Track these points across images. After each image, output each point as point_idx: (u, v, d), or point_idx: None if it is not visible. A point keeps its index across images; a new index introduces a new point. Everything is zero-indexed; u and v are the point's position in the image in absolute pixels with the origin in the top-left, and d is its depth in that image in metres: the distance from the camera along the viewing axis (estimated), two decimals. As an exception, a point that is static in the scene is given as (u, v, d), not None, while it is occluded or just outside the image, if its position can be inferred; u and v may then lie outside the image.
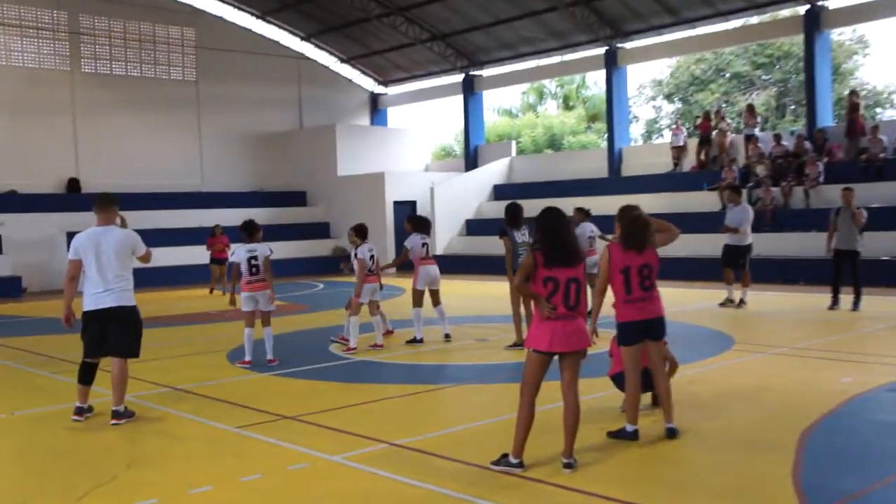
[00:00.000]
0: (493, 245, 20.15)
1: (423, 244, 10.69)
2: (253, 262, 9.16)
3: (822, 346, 9.63)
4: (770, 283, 16.87)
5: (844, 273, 12.44)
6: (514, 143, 30.66)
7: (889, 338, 10.30)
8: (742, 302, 13.29)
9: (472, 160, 28.62)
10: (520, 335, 9.70)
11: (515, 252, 9.73)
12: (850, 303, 12.39)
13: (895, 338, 10.35)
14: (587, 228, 12.65)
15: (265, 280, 9.22)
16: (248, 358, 9.27)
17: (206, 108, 27.43)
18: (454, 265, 23.61)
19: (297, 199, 28.62)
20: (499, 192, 27.21)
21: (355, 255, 10.10)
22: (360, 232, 10.16)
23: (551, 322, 5.16)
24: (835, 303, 12.51)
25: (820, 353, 9.11)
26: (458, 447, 5.76)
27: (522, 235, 9.83)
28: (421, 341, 10.54)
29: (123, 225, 7.03)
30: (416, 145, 30.59)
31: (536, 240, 5.30)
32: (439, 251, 25.20)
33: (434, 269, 10.69)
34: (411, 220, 10.95)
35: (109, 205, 6.85)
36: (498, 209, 25.43)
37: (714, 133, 22.48)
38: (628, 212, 5.98)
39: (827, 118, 21.22)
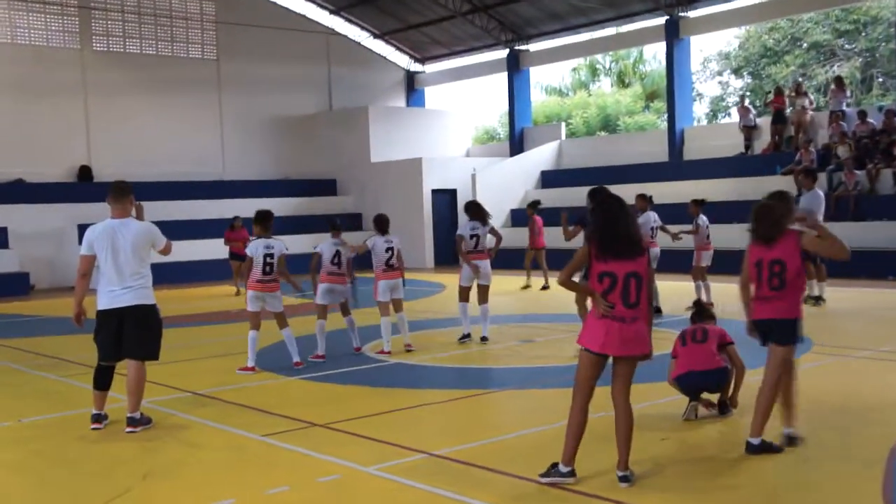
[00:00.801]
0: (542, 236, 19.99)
1: (473, 235, 10.59)
2: (269, 259, 9.13)
3: (914, 348, 9.42)
4: (854, 279, 16.53)
5: None
6: (563, 124, 30.50)
7: None
8: (820, 299, 13.07)
9: (517, 144, 28.54)
10: None
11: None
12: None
13: None
14: (650, 218, 12.61)
15: (277, 280, 9.22)
16: (250, 364, 9.24)
17: (227, 88, 27.74)
18: (497, 259, 23.45)
19: (326, 187, 28.83)
20: (547, 178, 27.06)
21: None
22: (378, 223, 10.10)
23: (608, 321, 5.05)
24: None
25: (911, 357, 8.92)
26: (502, 458, 5.75)
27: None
28: (468, 336, 10.69)
29: (140, 216, 7.12)
30: (456, 128, 30.60)
31: (591, 229, 5.18)
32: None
33: (483, 263, 10.62)
34: (466, 207, 10.92)
35: (125, 194, 6.94)
36: (546, 197, 25.31)
37: (789, 110, 22.09)
38: (764, 199, 5.82)
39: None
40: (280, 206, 26.24)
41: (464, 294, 10.73)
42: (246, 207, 23.98)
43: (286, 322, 9.39)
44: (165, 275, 18.73)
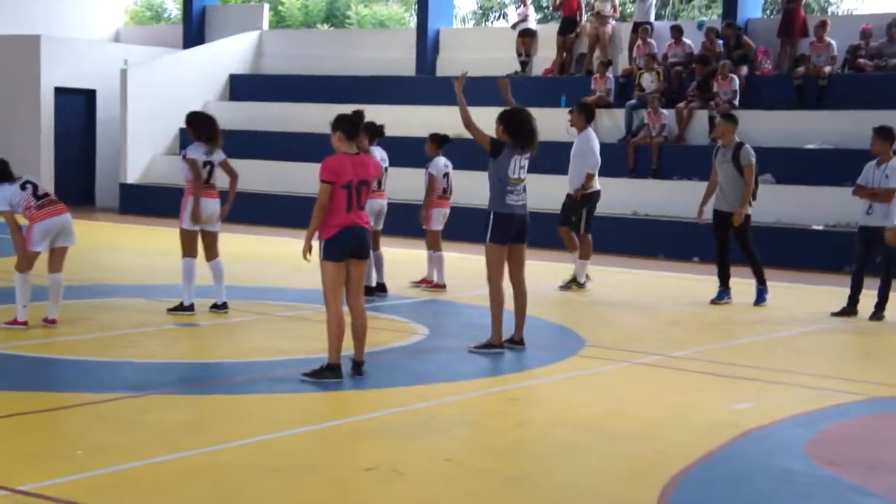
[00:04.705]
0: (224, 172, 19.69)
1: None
2: None
3: (711, 354, 10.39)
4: (650, 258, 17.91)
5: (733, 248, 13.41)
6: (267, 7, 30.35)
7: (809, 347, 11.30)
8: (574, 282, 14.20)
9: (195, 30, 28.24)
10: (499, 331, 9.90)
11: (499, 188, 9.84)
12: (755, 292, 13.40)
13: (817, 346, 11.41)
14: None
15: None
16: None
17: None
18: (155, 201, 23.18)
19: None
20: (238, 86, 27.00)
21: None
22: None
23: None
24: (723, 293, 13.49)
25: (707, 366, 9.82)
26: (117, 495, 5.81)
27: (521, 167, 9.92)
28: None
29: None
30: (99, -5, 29.82)
31: None
32: (131, 177, 24.69)
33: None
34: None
35: None
36: (236, 114, 25.15)
37: (586, 18, 23.33)
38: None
39: (754, 7, 22.59)
40: None
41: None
42: None
43: None
44: None
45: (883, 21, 20.41)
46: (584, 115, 14.20)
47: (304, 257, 8.54)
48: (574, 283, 14.15)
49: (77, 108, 25.50)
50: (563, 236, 14.18)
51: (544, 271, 15.15)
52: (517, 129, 9.75)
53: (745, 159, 13.02)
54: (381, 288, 12.90)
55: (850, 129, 18.12)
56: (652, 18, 22.87)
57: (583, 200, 13.98)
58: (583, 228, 14.02)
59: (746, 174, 12.99)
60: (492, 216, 9.78)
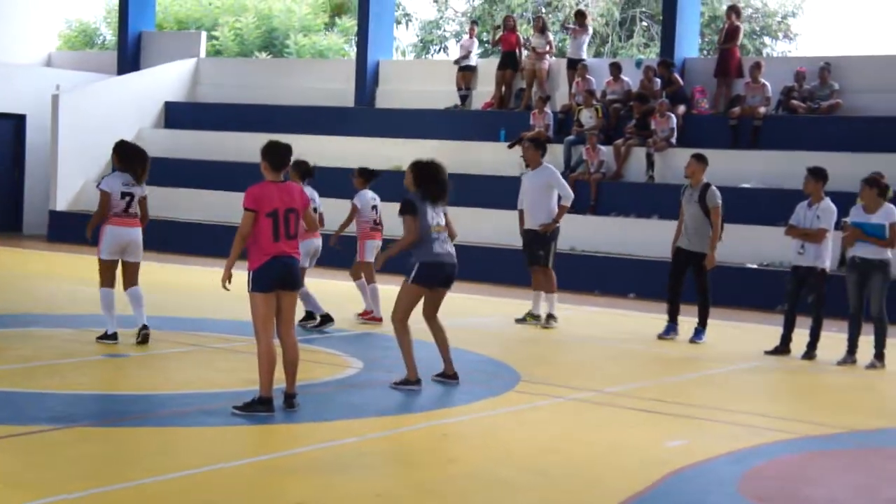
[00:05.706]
0: (159, 202, 19.40)
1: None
2: None
3: (645, 391, 10.43)
4: (585, 293, 17.99)
5: (688, 286, 13.54)
6: (204, 35, 30.26)
7: (741, 385, 11.44)
8: (550, 317, 14.13)
9: (131, 57, 28.04)
10: (413, 367, 9.77)
11: (424, 238, 9.68)
12: (693, 330, 13.51)
13: (750, 384, 11.53)
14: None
15: None
16: None
17: None
18: (85, 229, 22.78)
19: None
20: (174, 114, 26.86)
21: None
22: None
23: None
24: (671, 329, 13.61)
25: (640, 403, 9.86)
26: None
27: (437, 215, 9.89)
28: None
29: None
30: (29, 19, 29.63)
31: None
32: (61, 205, 24.42)
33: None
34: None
35: None
36: (172, 142, 25.03)
37: (525, 54, 23.50)
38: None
39: (691, 46, 22.87)
40: None
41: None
42: None
43: None
44: None
45: (815, 64, 20.73)
46: (540, 151, 14.19)
47: (224, 286, 8.47)
48: (530, 317, 14.14)
49: (6, 133, 25.23)
50: (533, 276, 14.18)
51: (479, 306, 15.17)
52: (427, 181, 9.77)
53: (711, 201, 13.13)
54: (310, 317, 12.82)
55: (783, 170, 18.37)
56: (583, 55, 23.02)
57: (553, 234, 13.96)
58: (549, 263, 14.00)
59: (713, 216, 13.12)
60: (417, 267, 9.67)
